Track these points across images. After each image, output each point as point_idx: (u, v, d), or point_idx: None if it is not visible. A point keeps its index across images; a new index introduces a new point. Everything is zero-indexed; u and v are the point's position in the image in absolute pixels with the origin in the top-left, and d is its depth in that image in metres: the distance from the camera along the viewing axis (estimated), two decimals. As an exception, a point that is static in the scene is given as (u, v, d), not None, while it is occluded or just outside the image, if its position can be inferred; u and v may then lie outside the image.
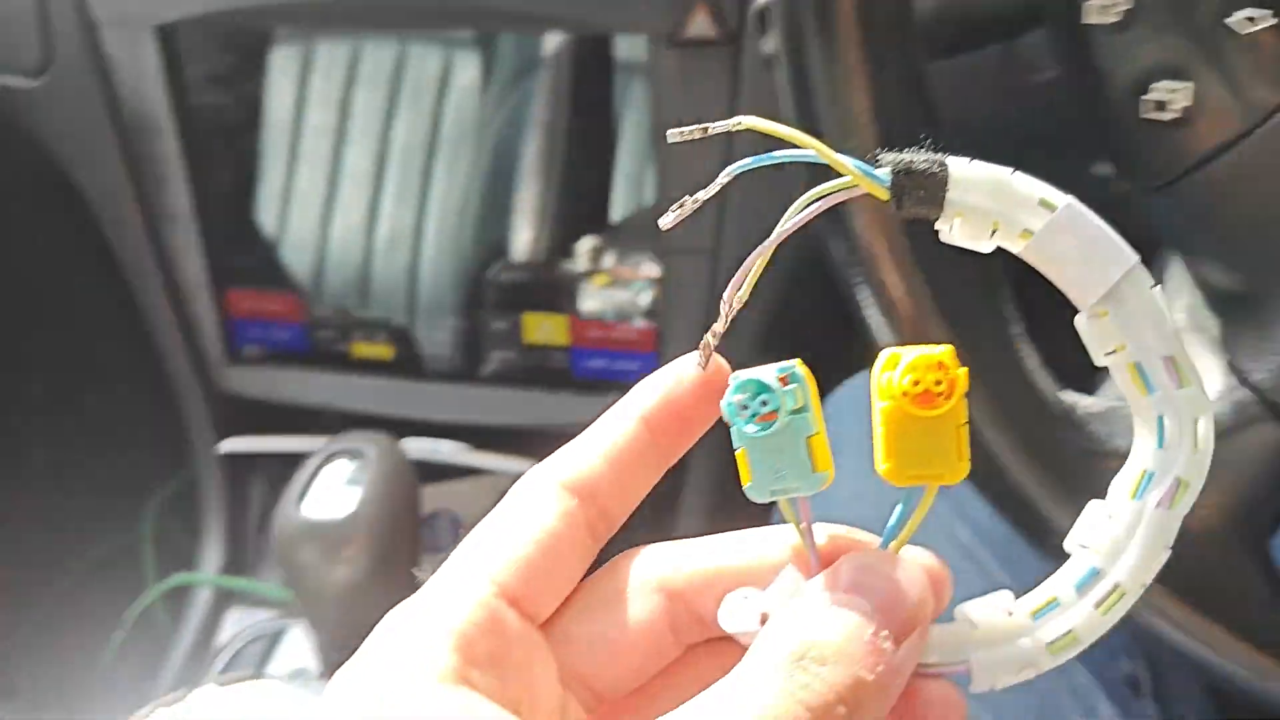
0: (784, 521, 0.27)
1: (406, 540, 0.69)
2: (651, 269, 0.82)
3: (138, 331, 1.02)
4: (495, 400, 0.85)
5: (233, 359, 0.90)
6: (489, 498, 1.00)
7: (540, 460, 0.28)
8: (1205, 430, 0.27)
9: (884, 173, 0.26)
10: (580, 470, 0.27)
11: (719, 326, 0.27)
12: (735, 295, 0.27)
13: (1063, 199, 0.26)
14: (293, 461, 0.94)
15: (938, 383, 0.25)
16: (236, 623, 0.92)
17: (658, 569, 0.27)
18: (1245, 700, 0.42)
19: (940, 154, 0.26)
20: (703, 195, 0.26)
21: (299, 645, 0.86)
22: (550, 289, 0.84)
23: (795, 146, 0.26)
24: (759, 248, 0.26)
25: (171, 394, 0.96)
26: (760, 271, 0.27)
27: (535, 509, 0.26)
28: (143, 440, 1.43)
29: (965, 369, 0.25)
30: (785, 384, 0.26)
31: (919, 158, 0.26)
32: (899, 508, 0.26)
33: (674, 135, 0.26)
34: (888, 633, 0.24)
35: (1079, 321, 0.27)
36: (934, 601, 0.25)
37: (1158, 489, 0.27)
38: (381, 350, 0.87)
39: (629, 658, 0.27)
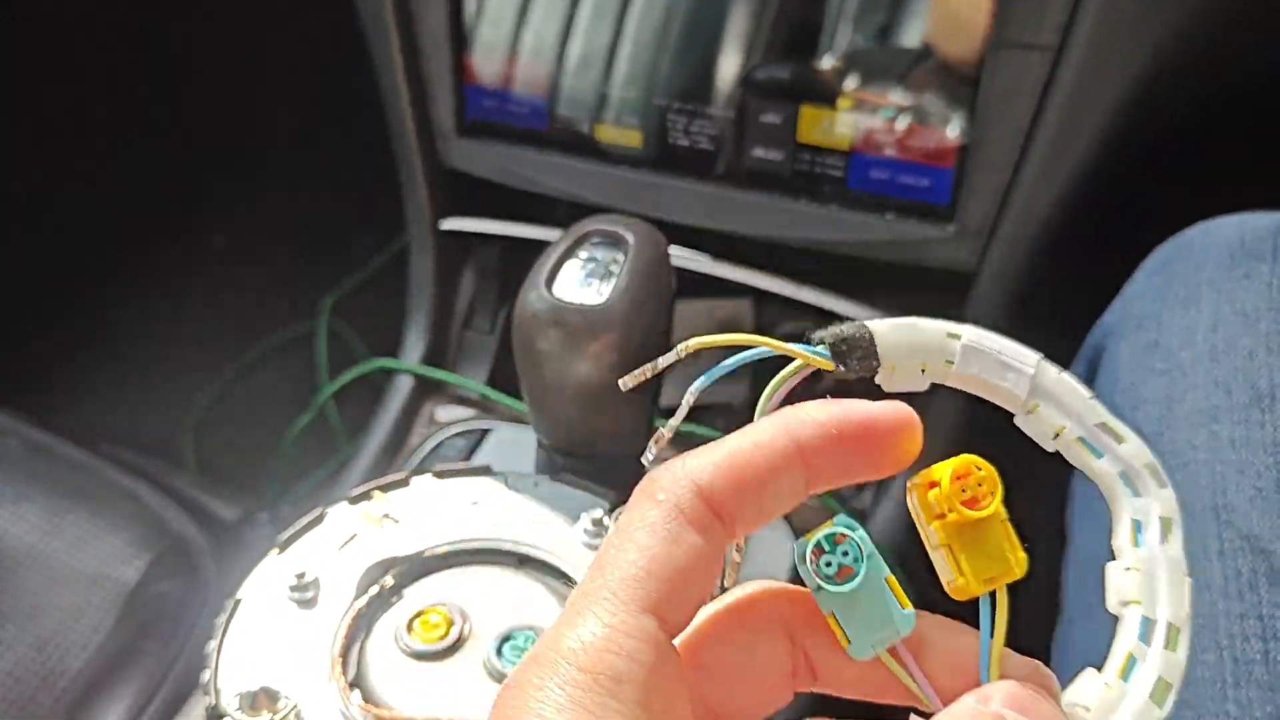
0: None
1: (657, 345, 0.60)
2: (900, 96, 0.69)
3: (359, 99, 0.95)
4: (752, 206, 0.75)
5: (463, 130, 0.81)
6: (704, 326, 0.85)
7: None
8: (1158, 471, 0.31)
9: (823, 349, 0.30)
10: (727, 489, 0.27)
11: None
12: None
13: (963, 328, 0.30)
14: (511, 250, 0.87)
15: (979, 484, 0.28)
16: (435, 419, 0.86)
17: (785, 611, 0.28)
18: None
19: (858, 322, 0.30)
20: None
21: (505, 447, 0.80)
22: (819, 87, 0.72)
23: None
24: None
25: (387, 168, 0.88)
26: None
27: (685, 528, 0.27)
28: (331, 230, 1.40)
29: (990, 467, 0.28)
30: (849, 536, 0.28)
31: (845, 329, 0.30)
32: (984, 618, 0.28)
33: (627, 381, 0.31)
34: None
35: (1018, 421, 0.31)
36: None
37: (1151, 530, 0.31)
38: (630, 136, 0.77)
39: (756, 694, 0.28)
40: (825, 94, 0.71)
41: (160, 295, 1.35)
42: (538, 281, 0.58)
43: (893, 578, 0.28)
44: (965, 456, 0.28)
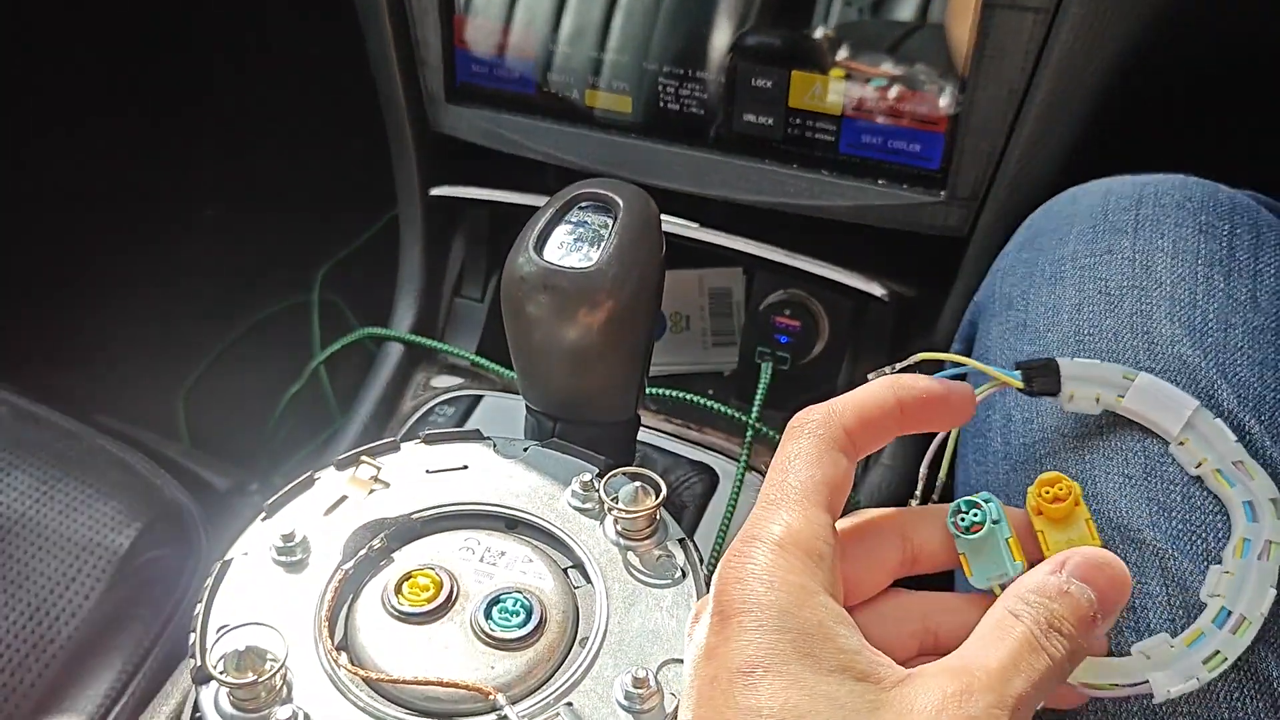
0: None
1: (648, 309, 0.59)
2: (891, 66, 0.69)
3: (349, 67, 0.94)
4: (743, 172, 0.74)
5: (452, 95, 0.80)
6: (695, 296, 0.85)
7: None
8: (1278, 506, 0.41)
9: (1016, 372, 0.44)
10: (855, 426, 0.39)
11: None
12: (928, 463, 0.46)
13: (1138, 373, 0.44)
14: (500, 217, 0.86)
15: (1056, 497, 0.40)
16: (428, 385, 0.86)
17: (902, 522, 0.41)
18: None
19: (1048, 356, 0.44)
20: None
21: (496, 414, 0.80)
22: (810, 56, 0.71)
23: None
24: (935, 442, 0.46)
25: (377, 138, 0.88)
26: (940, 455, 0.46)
27: (838, 452, 0.38)
28: (322, 203, 1.39)
29: (1076, 487, 0.40)
30: (984, 505, 0.40)
31: (1036, 360, 0.44)
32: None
33: (872, 376, 0.41)
34: (1101, 615, 0.36)
35: (1171, 450, 0.43)
36: (1116, 580, 0.37)
37: (1255, 548, 0.40)
38: (621, 102, 0.76)
39: (874, 574, 0.40)
40: (817, 63, 0.71)
41: (154, 266, 1.34)
42: (526, 245, 0.57)
43: (1014, 539, 0.39)
44: (1051, 474, 0.40)
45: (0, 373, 0.85)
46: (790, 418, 0.79)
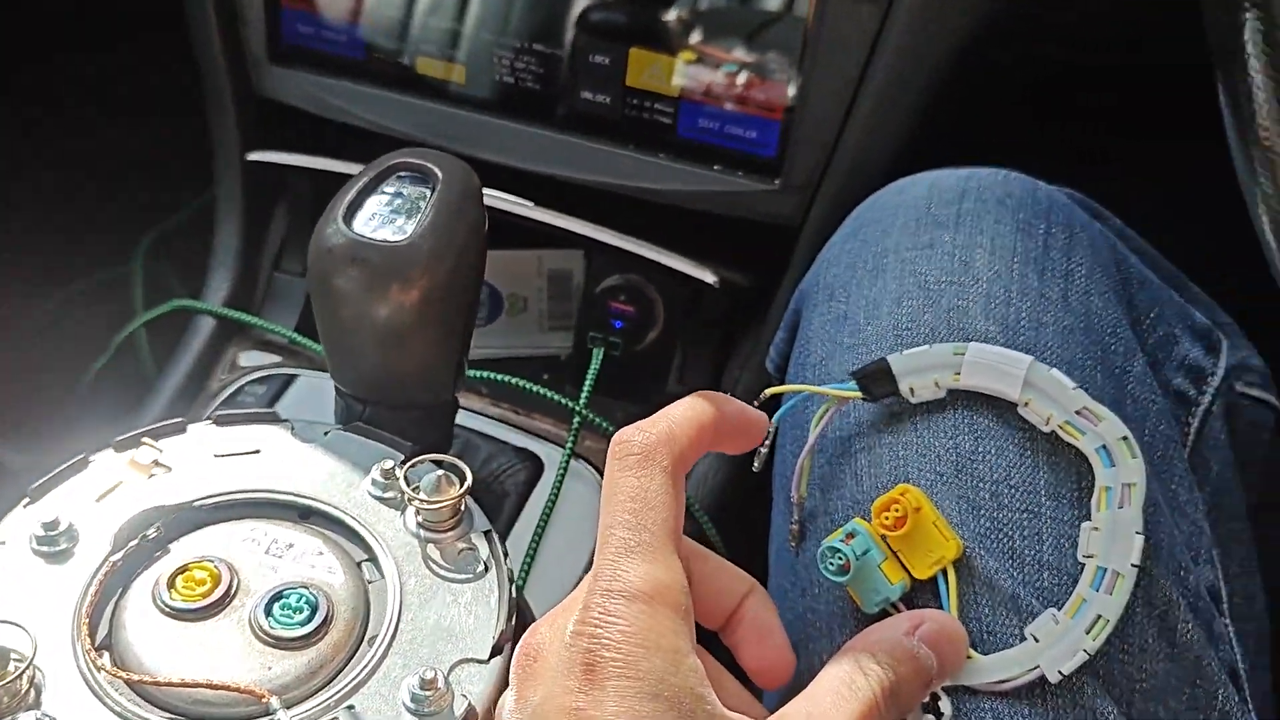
0: None
1: (466, 288, 0.56)
2: (743, 53, 0.68)
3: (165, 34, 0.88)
4: (580, 151, 0.72)
5: (275, 57, 0.76)
6: (533, 277, 0.81)
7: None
8: (1131, 444, 0.41)
9: (851, 384, 0.45)
10: (683, 447, 0.38)
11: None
12: (797, 495, 0.47)
13: (966, 345, 0.44)
14: (327, 187, 0.82)
15: (897, 520, 0.41)
16: (237, 364, 0.81)
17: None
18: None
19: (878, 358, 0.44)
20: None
21: (311, 394, 0.76)
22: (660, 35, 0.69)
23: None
24: (803, 451, 0.46)
25: (197, 100, 0.82)
26: (808, 473, 0.47)
27: (678, 480, 0.38)
28: (148, 169, 1.31)
29: (913, 490, 0.42)
30: (850, 541, 0.41)
31: (867, 366, 0.44)
32: (942, 589, 0.41)
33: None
34: (936, 680, 0.39)
35: (1020, 412, 0.43)
36: (959, 651, 0.40)
37: (1116, 496, 0.41)
38: (454, 71, 0.73)
39: (719, 602, 0.41)
40: (662, 43, 0.69)
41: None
42: (335, 215, 0.54)
43: (889, 562, 0.41)
44: (888, 494, 0.42)
45: None
46: (622, 405, 0.77)
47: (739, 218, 0.71)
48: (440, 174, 0.55)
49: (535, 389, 0.73)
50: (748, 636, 0.40)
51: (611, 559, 0.35)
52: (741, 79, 0.68)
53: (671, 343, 0.79)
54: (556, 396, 0.72)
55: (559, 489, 0.69)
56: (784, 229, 0.71)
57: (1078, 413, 0.42)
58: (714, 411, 0.40)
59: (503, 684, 0.42)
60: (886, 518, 0.41)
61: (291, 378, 0.77)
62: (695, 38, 0.69)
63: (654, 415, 0.39)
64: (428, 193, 0.55)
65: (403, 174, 0.56)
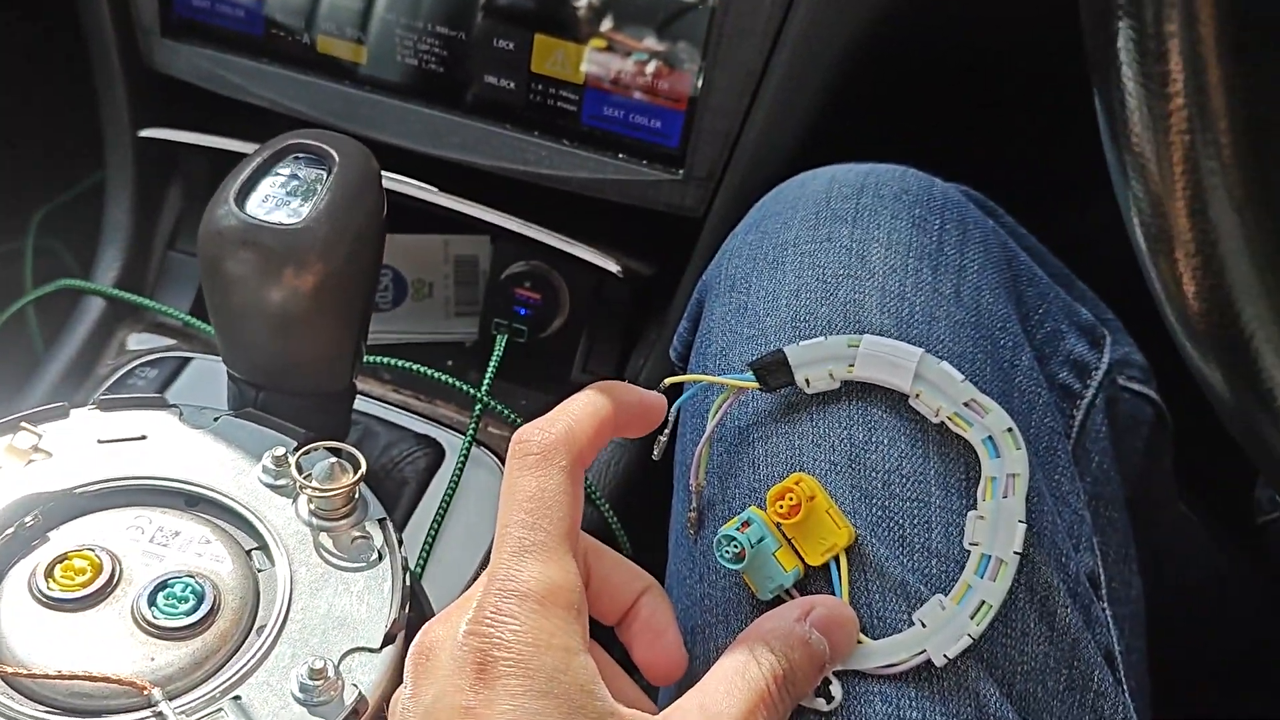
0: None
1: (363, 272, 0.55)
2: (654, 43, 0.68)
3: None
4: (483, 136, 0.71)
5: (168, 29, 0.73)
6: (439, 263, 0.80)
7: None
8: (1015, 436, 0.42)
9: (749, 374, 0.45)
10: (583, 445, 0.39)
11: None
12: (695, 482, 0.47)
13: (861, 338, 0.44)
14: (224, 166, 0.80)
15: (790, 509, 0.42)
16: (127, 347, 0.79)
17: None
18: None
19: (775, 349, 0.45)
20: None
21: (204, 379, 0.74)
22: (569, 22, 0.69)
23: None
24: (701, 440, 0.47)
25: (85, 72, 0.79)
26: (705, 461, 0.47)
27: (576, 478, 0.38)
28: (43, 141, 1.26)
29: (807, 479, 0.42)
30: (746, 529, 0.42)
31: (764, 357, 0.45)
32: (835, 575, 0.42)
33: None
34: (829, 664, 0.40)
35: (912, 403, 0.43)
36: (850, 634, 0.41)
37: (1001, 486, 0.42)
38: (354, 51, 0.72)
39: (615, 598, 0.42)
40: (572, 29, 0.69)
41: None
42: (227, 196, 0.53)
43: (783, 550, 0.42)
44: (783, 483, 0.42)
45: None
46: (526, 392, 0.76)
47: (644, 207, 0.71)
48: (338, 156, 0.54)
49: (438, 375, 0.72)
50: (641, 633, 0.41)
51: (507, 559, 0.36)
52: (651, 68, 0.68)
53: (577, 330, 0.79)
54: (459, 383, 0.72)
55: (459, 477, 0.69)
56: (688, 219, 0.71)
57: (966, 405, 0.43)
58: (613, 404, 0.40)
59: (396, 673, 0.42)
60: (781, 506, 0.42)
61: (185, 361, 0.75)
62: (606, 25, 0.68)
63: (553, 412, 0.39)
64: (324, 175, 0.54)
65: (299, 155, 0.55)
